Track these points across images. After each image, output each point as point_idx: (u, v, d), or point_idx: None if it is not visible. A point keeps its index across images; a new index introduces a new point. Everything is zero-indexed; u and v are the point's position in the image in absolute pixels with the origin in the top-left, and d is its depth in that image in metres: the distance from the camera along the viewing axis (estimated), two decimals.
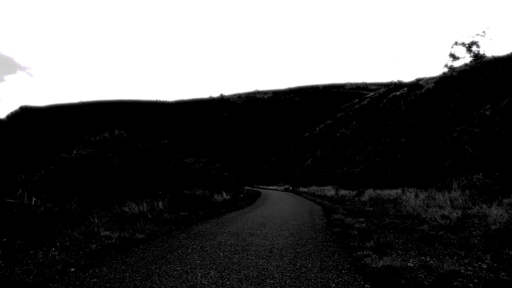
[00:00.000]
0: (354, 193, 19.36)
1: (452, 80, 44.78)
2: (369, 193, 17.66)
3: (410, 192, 14.75)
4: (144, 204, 9.17)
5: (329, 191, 28.25)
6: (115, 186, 10.16)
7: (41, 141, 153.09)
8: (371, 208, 11.58)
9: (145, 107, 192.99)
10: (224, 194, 16.21)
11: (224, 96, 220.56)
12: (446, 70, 72.39)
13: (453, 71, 49.49)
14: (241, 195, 19.20)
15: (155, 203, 9.58)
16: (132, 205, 9.10)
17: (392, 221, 8.35)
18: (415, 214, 9.27)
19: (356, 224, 8.05)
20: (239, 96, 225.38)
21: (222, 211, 11.40)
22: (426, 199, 11.54)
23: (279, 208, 14.56)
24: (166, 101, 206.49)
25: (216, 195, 15.53)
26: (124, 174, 10.32)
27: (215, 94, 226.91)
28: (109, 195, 9.92)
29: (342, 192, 20.02)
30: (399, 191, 16.59)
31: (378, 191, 23.22)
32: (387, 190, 20.77)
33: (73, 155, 10.53)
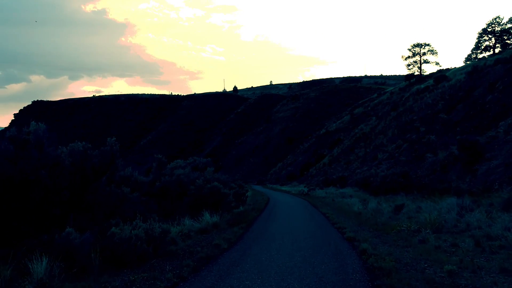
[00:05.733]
0: (386, 204, 15.23)
1: (486, 69, 40.03)
2: (410, 208, 13.47)
3: (477, 210, 10.31)
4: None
5: (352, 196, 24.15)
6: None
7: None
8: (454, 268, 6.36)
9: (155, 102, 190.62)
10: (208, 216, 11.21)
11: (238, 90, 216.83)
12: (469, 61, 67.21)
13: (486, 60, 44.59)
14: (241, 208, 14.85)
15: (39, 261, 5.54)
16: None
17: None
18: None
19: None
20: (253, 92, 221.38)
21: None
22: None
23: (282, 261, 7.80)
24: (179, 94, 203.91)
25: (196, 219, 10.78)
26: None
27: (229, 87, 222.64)
28: None
29: (371, 204, 15.77)
30: (448, 202, 12.38)
31: (414, 200, 19.02)
32: (425, 202, 16.56)
33: None
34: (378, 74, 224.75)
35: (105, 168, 8.40)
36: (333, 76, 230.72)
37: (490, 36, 64.03)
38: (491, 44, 63.91)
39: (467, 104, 36.00)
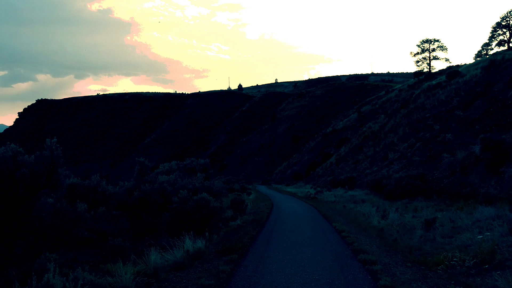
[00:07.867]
0: (409, 215, 13.05)
1: (505, 63, 37.62)
2: (441, 221, 11.20)
3: None
4: None
5: (364, 201, 21.98)
6: None
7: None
8: None
9: (160, 100, 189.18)
10: (189, 242, 8.19)
11: (243, 88, 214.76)
12: (479, 57, 64.57)
13: (505, 54, 42.16)
14: (238, 221, 12.59)
15: None
16: None
17: None
18: None
19: None
20: (258, 90, 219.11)
21: None
22: None
23: None
24: (183, 93, 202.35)
25: (170, 247, 7.97)
26: None
27: (234, 86, 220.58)
28: None
29: (391, 214, 13.54)
30: (485, 214, 10.22)
31: (436, 207, 16.83)
32: (453, 211, 14.38)
33: None
34: (385, 71, 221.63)
35: (43, 180, 6.28)
36: (339, 74, 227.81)
37: (504, 30, 61.41)
38: (505, 38, 61.32)
39: (486, 100, 33.64)
